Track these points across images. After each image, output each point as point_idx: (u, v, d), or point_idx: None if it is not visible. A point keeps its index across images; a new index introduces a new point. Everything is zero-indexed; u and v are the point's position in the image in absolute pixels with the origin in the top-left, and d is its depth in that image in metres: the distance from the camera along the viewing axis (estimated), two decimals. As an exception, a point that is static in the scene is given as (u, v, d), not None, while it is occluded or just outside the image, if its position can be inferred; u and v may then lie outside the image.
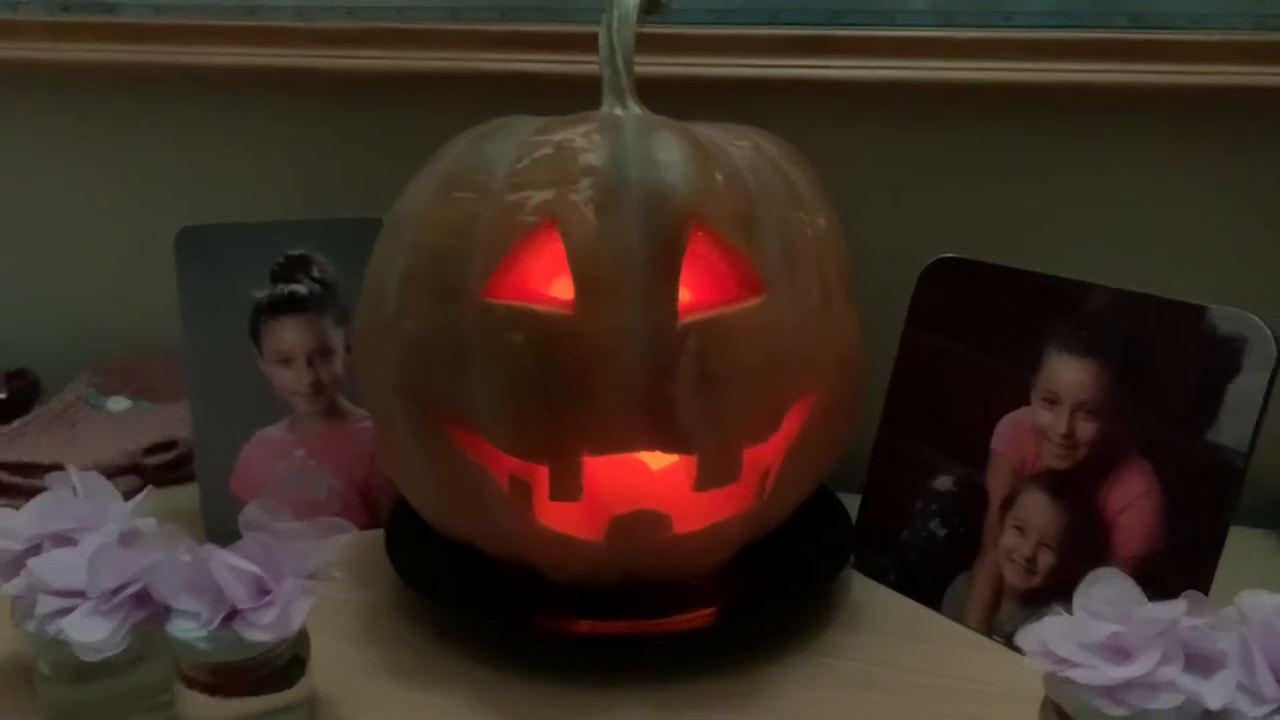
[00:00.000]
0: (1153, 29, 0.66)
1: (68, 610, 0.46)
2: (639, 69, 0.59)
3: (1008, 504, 0.59)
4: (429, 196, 0.54)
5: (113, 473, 0.71)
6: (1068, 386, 0.56)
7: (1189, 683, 0.42)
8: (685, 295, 0.50)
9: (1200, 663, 0.42)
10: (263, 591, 0.47)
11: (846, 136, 0.72)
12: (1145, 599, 0.45)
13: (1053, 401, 0.57)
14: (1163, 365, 0.53)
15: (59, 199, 0.89)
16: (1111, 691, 0.42)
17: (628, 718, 0.52)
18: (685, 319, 0.49)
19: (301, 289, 0.69)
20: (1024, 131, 0.71)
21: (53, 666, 0.49)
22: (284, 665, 0.49)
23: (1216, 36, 0.65)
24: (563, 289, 0.52)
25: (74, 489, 0.54)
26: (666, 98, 0.60)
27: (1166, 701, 0.41)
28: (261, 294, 0.69)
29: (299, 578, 0.48)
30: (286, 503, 0.68)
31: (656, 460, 0.54)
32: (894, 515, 0.64)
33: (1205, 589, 0.51)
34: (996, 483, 0.59)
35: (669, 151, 0.51)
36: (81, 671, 0.48)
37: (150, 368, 0.87)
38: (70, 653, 0.46)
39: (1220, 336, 0.51)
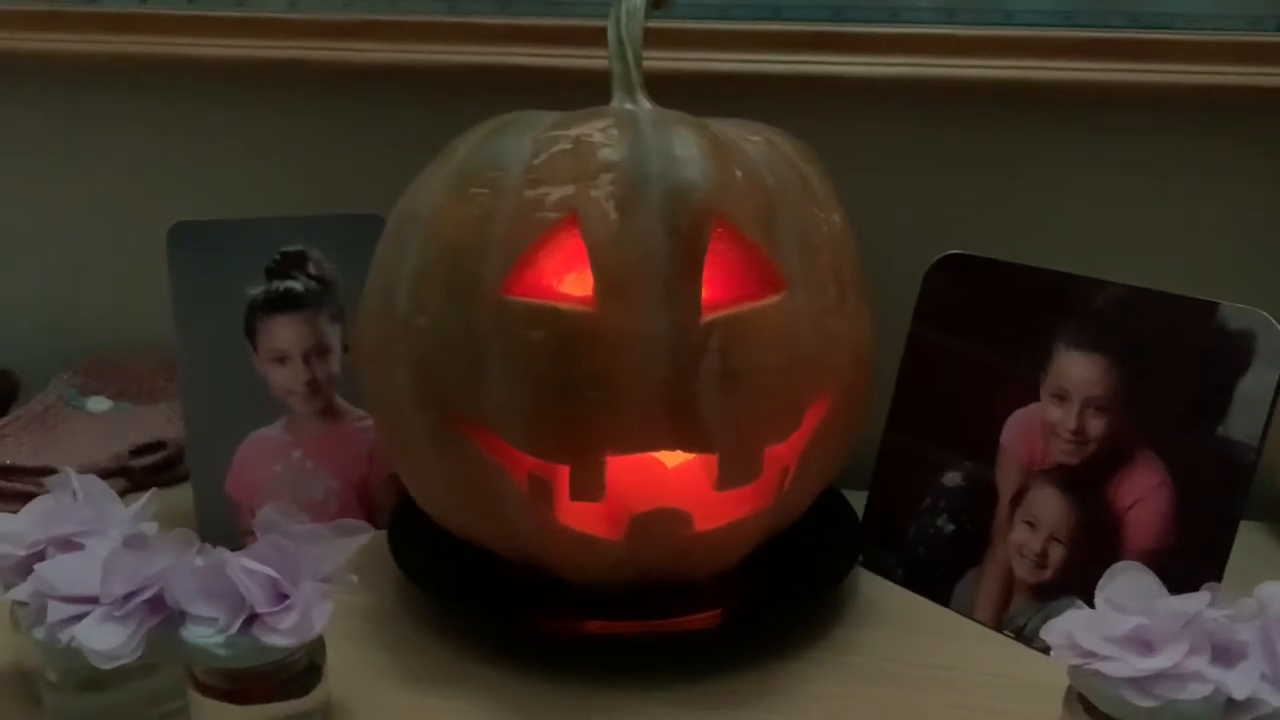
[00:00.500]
0: (1150, 29, 0.67)
1: (79, 617, 0.45)
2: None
3: (1017, 499, 0.59)
4: (442, 192, 0.53)
5: (99, 475, 0.69)
6: (1077, 383, 0.57)
7: (1214, 673, 0.42)
8: (706, 292, 0.49)
9: (1223, 653, 0.43)
10: (279, 595, 0.46)
11: (849, 133, 0.73)
12: (1166, 592, 0.46)
13: (1062, 398, 0.58)
14: (1173, 361, 0.54)
15: (41, 194, 0.87)
16: (1140, 683, 0.42)
17: (646, 716, 0.51)
18: (708, 316, 0.49)
19: (297, 286, 0.68)
20: (1028, 129, 0.71)
21: (61, 674, 0.47)
22: (300, 671, 0.48)
23: (1212, 36, 0.66)
24: (575, 285, 0.51)
25: (74, 492, 0.53)
26: (669, 93, 0.59)
27: (1194, 692, 0.42)
28: (256, 291, 0.67)
29: (317, 580, 0.47)
30: (283, 504, 0.68)
31: (672, 457, 0.54)
32: (901, 512, 0.64)
33: (1216, 582, 0.51)
34: (1005, 479, 0.60)
35: (687, 147, 0.51)
36: (91, 679, 0.47)
37: (132, 367, 0.85)
38: (79, 660, 0.44)
39: (1230, 332, 0.52)
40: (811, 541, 0.61)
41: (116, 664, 0.44)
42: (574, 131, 0.52)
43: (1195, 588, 0.45)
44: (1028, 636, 0.58)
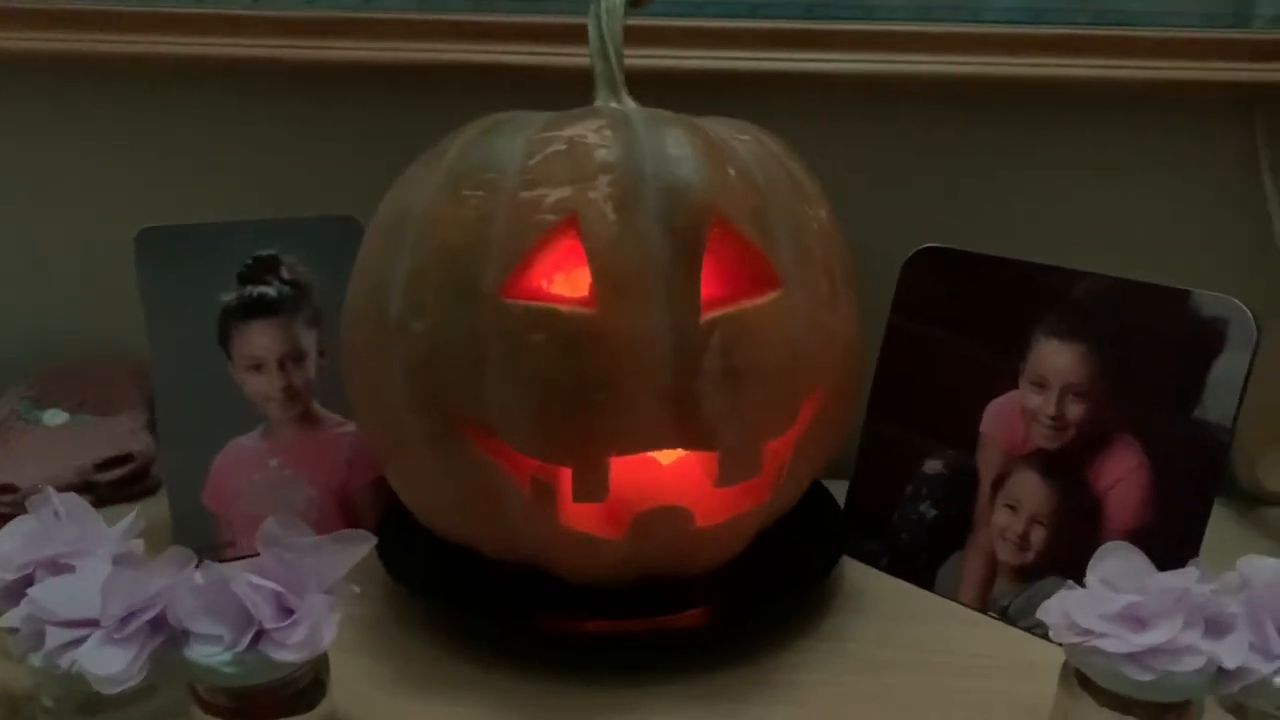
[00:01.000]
0: (1112, 25, 0.69)
1: (79, 641, 0.44)
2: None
3: (998, 484, 0.61)
4: (434, 194, 0.52)
5: (63, 490, 0.68)
6: (1056, 370, 0.59)
7: (1207, 645, 0.44)
8: (705, 291, 0.50)
9: (1214, 626, 0.45)
10: (284, 610, 0.46)
11: (824, 130, 0.73)
12: (1155, 570, 0.48)
13: (1041, 385, 0.59)
14: (1149, 347, 0.56)
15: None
16: (1137, 658, 0.44)
17: (650, 713, 0.52)
18: (708, 315, 0.49)
19: (271, 291, 0.67)
20: (1000, 124, 0.73)
21: (57, 700, 0.46)
22: (306, 686, 0.47)
23: (1169, 33, 0.69)
24: (564, 285, 0.51)
25: (55, 511, 0.51)
26: (644, 91, 0.59)
27: (1189, 664, 0.43)
28: (229, 297, 0.66)
29: (322, 593, 0.47)
30: (263, 514, 0.67)
31: (667, 454, 0.54)
32: (884, 500, 0.66)
33: (1194, 558, 0.54)
34: (987, 464, 0.61)
35: (681, 147, 0.51)
36: (88, 703, 0.46)
37: (91, 377, 0.82)
38: (78, 685, 0.43)
39: (1204, 319, 0.54)
40: (797, 534, 0.62)
41: (121, 688, 0.43)
42: (568, 132, 0.51)
43: (1175, 564, 0.47)
44: (1012, 617, 0.59)
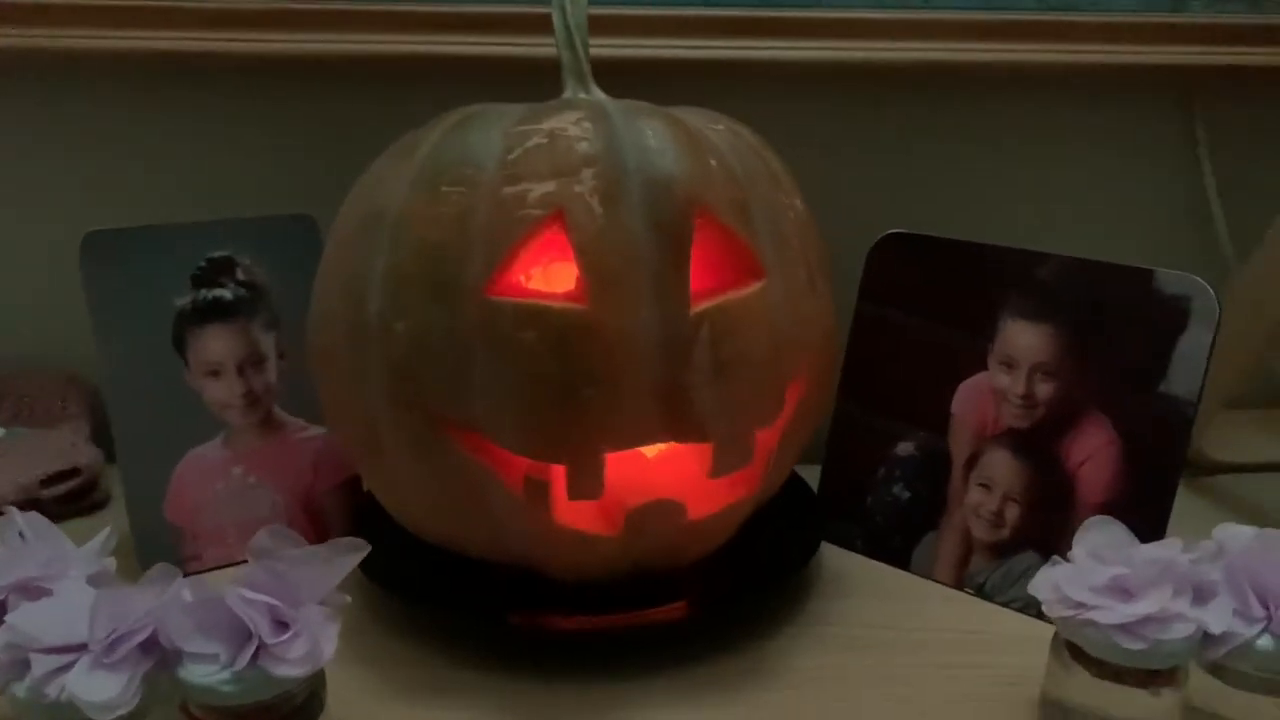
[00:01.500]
0: (1059, 10, 0.71)
1: (66, 668, 0.42)
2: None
3: (971, 464, 0.62)
4: (410, 191, 0.51)
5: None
6: (1024, 350, 0.60)
7: (1194, 613, 0.46)
8: (692, 283, 0.50)
9: (1198, 594, 0.47)
10: (279, 623, 0.44)
11: (782, 117, 0.73)
12: (1137, 541, 0.49)
13: (1010, 365, 0.61)
14: (1114, 325, 0.58)
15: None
16: (1129, 628, 0.45)
17: (645, 707, 0.52)
18: (696, 307, 0.49)
19: (227, 294, 0.65)
20: (954, 110, 0.75)
21: (41, 729, 0.44)
22: (303, 702, 0.46)
23: (1112, 18, 0.71)
24: (544, 281, 0.51)
25: (20, 533, 0.49)
26: (601, 81, 0.59)
27: (1179, 632, 0.45)
28: (183, 301, 0.63)
29: (319, 604, 0.45)
30: (227, 524, 0.65)
31: (650, 448, 0.54)
32: (856, 483, 0.66)
33: (1163, 529, 0.56)
34: (958, 445, 0.63)
35: (660, 138, 0.51)
36: (73, 732, 0.44)
37: (23, 388, 0.78)
38: (66, 713, 0.41)
39: (1167, 297, 0.56)
40: (774, 520, 0.62)
41: (115, 714, 0.41)
42: (547, 125, 0.51)
43: (1147, 535, 0.49)
44: (989, 593, 0.61)
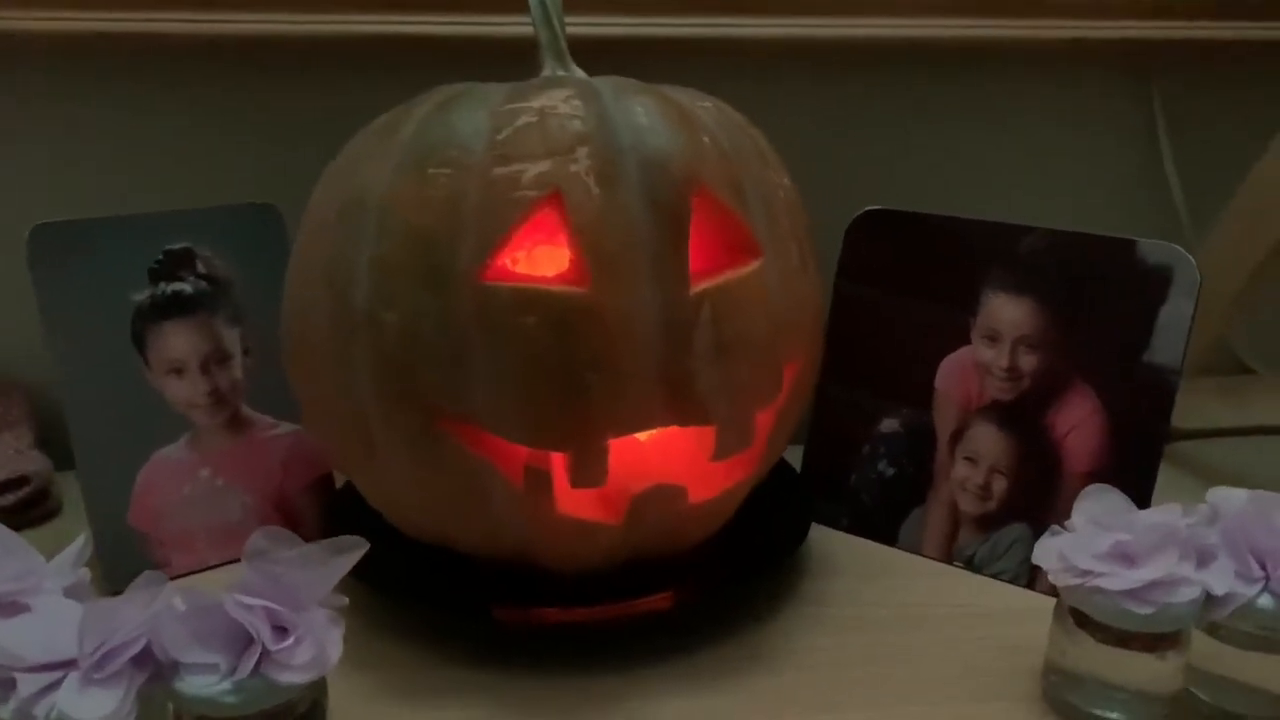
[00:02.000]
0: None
1: (55, 685, 0.39)
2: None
3: (956, 438, 0.63)
4: (394, 175, 0.49)
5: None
6: (1008, 323, 0.61)
7: (1198, 576, 0.47)
8: (691, 263, 0.49)
9: (1200, 557, 0.48)
10: (278, 629, 0.42)
11: (755, 95, 0.73)
12: (1134, 508, 0.50)
13: (993, 339, 0.61)
14: (1097, 296, 0.58)
15: None
16: (1137, 593, 0.46)
17: (651, 696, 0.51)
18: (696, 288, 0.48)
19: (187, 288, 0.62)
20: (922, 86, 0.75)
21: (26, 756, 0.41)
22: (306, 711, 0.44)
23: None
24: (530, 264, 0.49)
25: (-14, 546, 0.46)
26: (575, 60, 0.57)
27: (1185, 595, 0.46)
28: (141, 297, 0.60)
29: (320, 606, 0.43)
30: (196, 529, 0.62)
31: (646, 432, 0.53)
32: (841, 462, 0.66)
33: (1149, 496, 0.57)
34: (943, 420, 0.63)
35: (653, 116, 0.50)
36: (62, 755, 0.41)
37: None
38: (54, 734, 0.39)
39: (1149, 266, 0.57)
40: (761, 502, 0.62)
41: (110, 733, 0.39)
42: (536, 103, 0.49)
43: (1133, 503, 0.49)
44: (978, 565, 0.61)
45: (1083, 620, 0.48)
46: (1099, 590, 0.46)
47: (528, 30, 0.58)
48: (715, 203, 0.49)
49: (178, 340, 0.61)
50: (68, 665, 0.40)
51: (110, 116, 0.72)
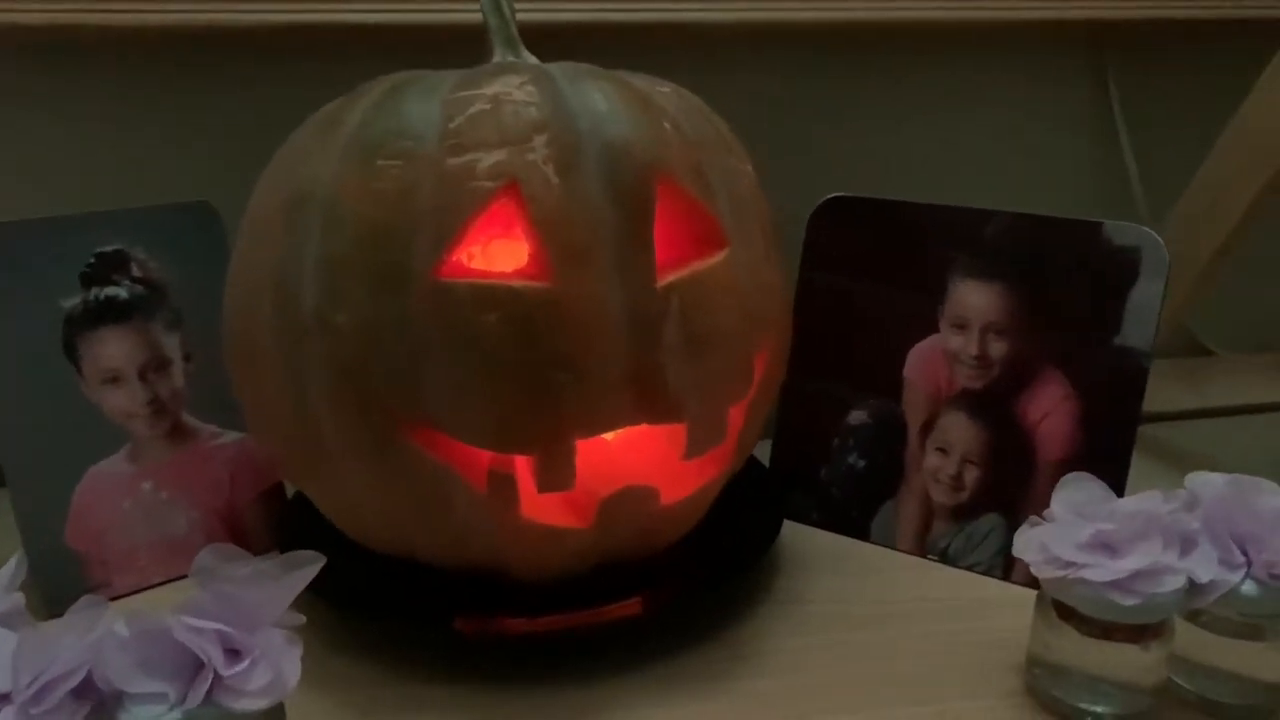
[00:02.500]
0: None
1: (-12, 726, 0.36)
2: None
3: (927, 428, 0.61)
4: (340, 168, 0.46)
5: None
6: (976, 310, 0.60)
7: (1182, 564, 0.46)
8: (657, 255, 0.47)
9: (1182, 544, 0.47)
10: (232, 652, 0.39)
11: (712, 81, 0.71)
12: (1114, 496, 0.49)
13: (962, 326, 0.60)
14: (1065, 280, 0.57)
15: None
16: (1121, 584, 0.45)
17: (634, 705, 0.49)
18: (663, 280, 0.46)
19: (121, 292, 0.58)
20: (877, 70, 0.74)
21: (-45, 801, 0.38)
22: (261, 737, 0.41)
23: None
24: (485, 259, 0.47)
25: (-95, 574, 0.42)
26: (528, 47, 0.55)
27: (1170, 584, 0.45)
28: (71, 302, 0.57)
29: (275, 626, 0.41)
30: (139, 546, 0.59)
31: (612, 432, 0.51)
32: (810, 455, 0.65)
33: (1124, 482, 0.56)
34: (913, 410, 0.62)
35: (610, 102, 0.48)
36: (-4, 798, 0.38)
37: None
38: (-16, 779, 0.36)
39: (1116, 248, 0.56)
40: (730, 499, 0.60)
41: (50, 773, 0.36)
42: (489, 90, 0.47)
43: (1110, 488, 0.48)
44: (952, 557, 0.60)
45: (1066, 613, 0.47)
46: (1083, 582, 0.45)
47: (476, 17, 0.56)
48: (680, 191, 0.48)
49: (113, 348, 0.58)
50: (1, 700, 0.37)
51: (31, 114, 0.68)
